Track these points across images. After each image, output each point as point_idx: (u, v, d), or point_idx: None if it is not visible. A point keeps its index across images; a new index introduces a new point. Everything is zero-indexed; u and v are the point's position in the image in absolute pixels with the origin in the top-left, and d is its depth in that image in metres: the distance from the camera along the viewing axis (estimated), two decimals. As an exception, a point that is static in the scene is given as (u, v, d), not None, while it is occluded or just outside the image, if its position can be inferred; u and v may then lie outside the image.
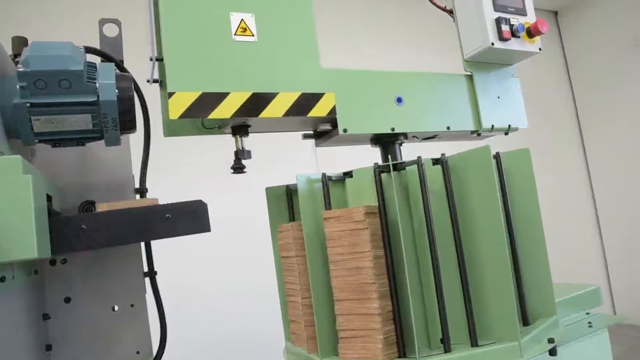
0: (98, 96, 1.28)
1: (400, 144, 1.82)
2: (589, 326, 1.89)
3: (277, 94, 1.51)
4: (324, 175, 1.52)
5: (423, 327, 1.44)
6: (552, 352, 1.44)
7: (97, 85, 1.28)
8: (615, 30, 5.08)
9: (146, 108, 1.53)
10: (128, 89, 1.35)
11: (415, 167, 1.48)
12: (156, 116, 1.59)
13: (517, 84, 2.05)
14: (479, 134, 1.95)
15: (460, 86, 1.90)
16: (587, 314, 2.04)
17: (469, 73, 1.92)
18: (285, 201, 1.74)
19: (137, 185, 1.64)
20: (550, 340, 1.45)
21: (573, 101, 5.70)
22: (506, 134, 2.01)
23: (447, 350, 1.37)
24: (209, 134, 1.63)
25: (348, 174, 1.59)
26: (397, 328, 1.38)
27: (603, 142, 5.29)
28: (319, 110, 1.57)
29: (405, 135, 1.79)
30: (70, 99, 1.25)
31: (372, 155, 1.84)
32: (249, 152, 1.58)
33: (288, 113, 1.51)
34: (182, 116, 1.38)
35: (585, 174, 5.58)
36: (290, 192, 1.73)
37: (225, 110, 1.44)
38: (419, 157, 1.42)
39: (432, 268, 1.39)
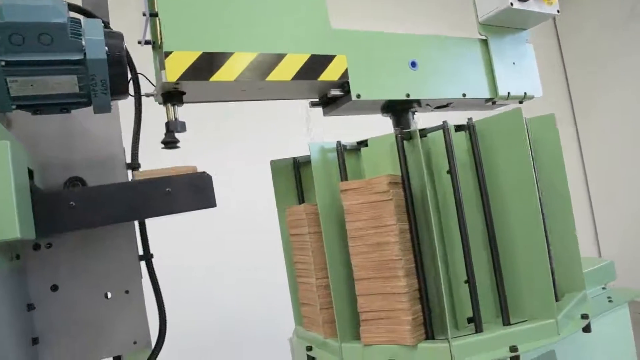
0: (85, 54, 1.11)
1: (414, 112, 1.69)
2: (609, 301, 1.82)
3: (284, 55, 1.37)
4: (339, 143, 1.38)
5: (449, 305, 1.33)
6: (587, 328, 1.35)
7: (84, 41, 1.11)
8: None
9: (136, 72, 1.36)
10: (119, 46, 1.19)
11: (436, 134, 1.36)
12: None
13: (531, 49, 1.94)
14: (494, 102, 1.84)
15: (475, 51, 1.78)
16: (603, 288, 1.97)
17: (484, 37, 1.80)
18: (292, 175, 1.60)
19: (128, 160, 1.48)
20: (584, 316, 1.36)
21: (565, 76, 5.62)
22: (521, 102, 1.90)
23: (478, 330, 1.26)
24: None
25: (362, 143, 1.46)
26: (423, 308, 1.27)
27: (596, 121, 5.24)
28: (330, 73, 1.43)
29: (419, 102, 1.66)
30: (52, 56, 1.08)
31: (367, 132, 1.68)
32: (182, 123, 1.35)
33: (297, 76, 1.37)
34: (181, 79, 1.23)
35: (578, 156, 5.53)
36: (298, 165, 1.59)
37: (229, 72, 1.28)
38: (445, 122, 1.30)
39: (462, 242, 1.27)
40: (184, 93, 1.36)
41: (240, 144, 3.39)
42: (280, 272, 1.69)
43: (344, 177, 1.36)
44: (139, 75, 1.35)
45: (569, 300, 1.42)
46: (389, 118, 1.75)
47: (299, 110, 3.06)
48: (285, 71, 1.36)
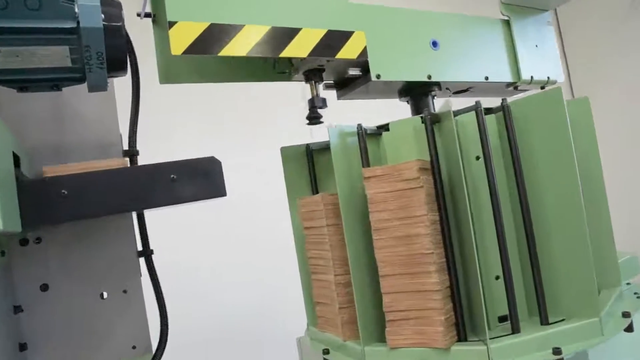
0: (78, 22, 0.97)
1: (434, 97, 1.57)
2: (637, 297, 1.71)
3: (299, 29, 1.24)
4: (359, 126, 1.26)
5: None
6: (629, 328, 1.24)
7: (76, 7, 0.97)
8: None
9: (132, 48, 1.22)
10: (117, 15, 1.05)
11: (464, 118, 1.24)
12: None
13: (552, 32, 1.83)
14: (515, 87, 1.73)
15: (497, 32, 1.67)
16: (628, 284, 1.87)
17: (506, 17, 1.69)
18: (305, 163, 1.47)
19: (125, 147, 1.35)
20: (625, 314, 1.25)
21: (567, 72, 5.56)
22: (542, 87, 1.79)
23: (515, 330, 1.15)
24: (271, 80, 1.44)
25: (383, 128, 1.34)
26: (455, 307, 1.15)
27: (597, 115, 5.16)
28: (349, 51, 1.31)
29: (439, 85, 1.55)
30: (41, 24, 0.94)
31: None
32: (324, 99, 1.40)
33: (314, 53, 1.25)
34: (187, 52, 1.10)
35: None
36: (311, 152, 1.46)
37: (239, 46, 1.15)
38: (478, 102, 1.18)
39: (498, 235, 1.16)
40: (323, 70, 1.38)
41: (235, 134, 3.22)
42: (284, 268, 1.57)
43: (365, 163, 1.24)
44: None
45: (607, 297, 1.31)
46: (406, 103, 1.64)
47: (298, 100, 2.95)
48: (300, 47, 1.23)
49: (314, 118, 1.39)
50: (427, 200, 1.10)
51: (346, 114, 1.77)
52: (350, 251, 1.19)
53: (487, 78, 1.60)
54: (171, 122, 2.92)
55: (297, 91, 1.61)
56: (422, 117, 1.26)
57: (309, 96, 1.42)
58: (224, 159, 1.13)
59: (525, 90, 1.81)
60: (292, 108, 2.87)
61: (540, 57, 1.75)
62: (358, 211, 1.23)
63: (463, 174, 1.09)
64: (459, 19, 1.58)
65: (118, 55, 1.07)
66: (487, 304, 1.24)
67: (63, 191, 0.98)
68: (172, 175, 1.05)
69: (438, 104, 1.59)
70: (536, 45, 1.75)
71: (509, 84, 1.70)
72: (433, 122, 1.20)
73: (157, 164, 1.05)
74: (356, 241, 1.21)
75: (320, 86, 1.43)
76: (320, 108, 1.40)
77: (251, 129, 3.13)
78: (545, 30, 1.80)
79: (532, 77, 1.70)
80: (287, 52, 1.21)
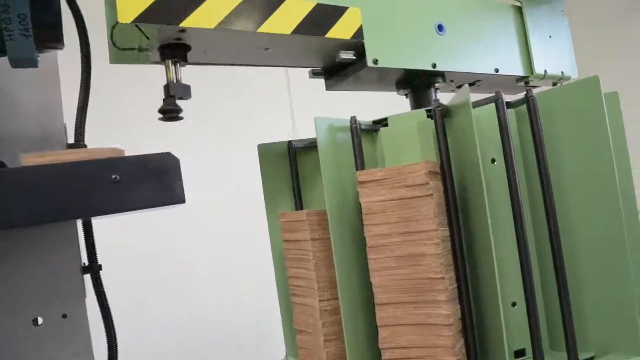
0: (-9, -28, 0.74)
1: (437, 90, 1.37)
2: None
3: (283, 0, 1.02)
4: (353, 119, 1.04)
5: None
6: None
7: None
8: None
9: (80, 14, 0.99)
10: (45, -32, 0.82)
11: (477, 112, 1.03)
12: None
13: (566, 22, 1.64)
14: (526, 83, 1.53)
15: (508, 19, 1.47)
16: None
17: (518, 3, 1.49)
18: (286, 164, 1.25)
19: (70, 140, 1.12)
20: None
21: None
22: (555, 84, 1.60)
23: (539, 370, 0.94)
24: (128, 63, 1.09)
25: (380, 123, 1.13)
26: (467, 342, 0.94)
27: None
28: (341, 30, 1.09)
29: (443, 77, 1.34)
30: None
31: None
32: (186, 87, 1.03)
33: (299, 29, 1.03)
34: (138, 20, 0.86)
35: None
36: (294, 151, 1.23)
37: (207, 17, 0.93)
38: (498, 92, 0.97)
39: (520, 255, 0.95)
40: (188, 48, 1.01)
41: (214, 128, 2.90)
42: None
43: (360, 165, 1.02)
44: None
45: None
46: (404, 97, 1.43)
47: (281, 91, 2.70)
48: (283, 22, 1.01)
49: (169, 112, 1.02)
50: (436, 211, 0.89)
51: (333, 108, 1.56)
52: (339, 272, 0.97)
53: (497, 70, 1.39)
54: (131, 111, 2.49)
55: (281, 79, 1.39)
56: (428, 110, 1.05)
57: (294, 86, 1.20)
58: (193, 155, 0.90)
59: (537, 86, 1.61)
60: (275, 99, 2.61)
61: (554, 49, 1.55)
62: (350, 223, 1.01)
63: (483, 179, 0.87)
64: (467, 1, 1.38)
65: (49, 21, 0.84)
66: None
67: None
68: (113, 176, 0.82)
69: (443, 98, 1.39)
70: (550, 36, 1.55)
71: (519, 78, 1.50)
72: (444, 116, 0.99)
73: (93, 160, 0.81)
74: (347, 260, 0.98)
75: (180, 69, 1.04)
76: (181, 98, 1.02)
77: (230, 122, 2.85)
78: (560, 20, 1.61)
79: (545, 71, 1.50)
80: (267, 28, 0.99)
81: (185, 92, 1.02)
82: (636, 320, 0.96)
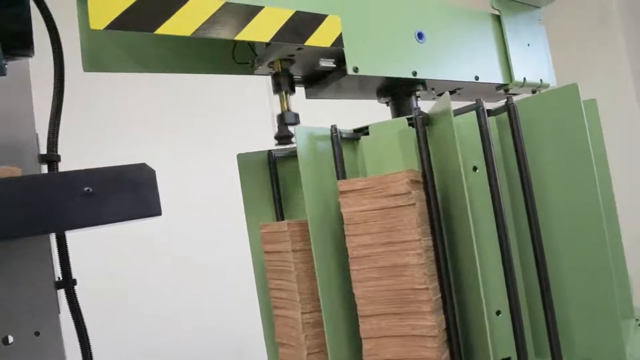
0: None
1: (417, 98, 1.36)
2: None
3: (261, 8, 1.00)
4: (334, 128, 1.03)
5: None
6: (653, 371, 1.04)
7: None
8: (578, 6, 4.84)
9: (52, 20, 0.95)
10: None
11: (457, 120, 1.03)
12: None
13: (544, 31, 1.66)
14: (506, 90, 1.54)
15: (487, 27, 1.48)
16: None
17: (496, 11, 1.50)
18: (266, 174, 1.22)
19: (43, 151, 1.08)
20: (647, 355, 1.06)
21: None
22: (534, 92, 1.61)
23: (525, 381, 0.93)
24: (228, 73, 1.21)
25: (361, 131, 1.12)
26: (452, 353, 0.92)
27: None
28: (321, 37, 1.08)
29: (424, 84, 1.34)
30: None
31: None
32: (296, 115, 1.14)
33: (278, 37, 1.01)
34: (111, 26, 0.84)
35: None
36: (274, 160, 1.21)
37: (182, 24, 0.90)
38: (479, 100, 0.97)
39: (503, 262, 0.94)
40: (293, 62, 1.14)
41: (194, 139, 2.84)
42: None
43: (341, 174, 1.01)
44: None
45: (625, 332, 1.12)
46: (385, 105, 1.42)
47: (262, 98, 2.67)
48: (262, 29, 0.99)
49: (284, 137, 1.13)
50: (419, 221, 0.87)
51: (314, 117, 1.54)
52: (321, 284, 0.94)
53: (477, 78, 1.40)
54: (108, 120, 2.42)
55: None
56: (409, 119, 1.04)
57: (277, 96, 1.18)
58: (171, 165, 0.88)
59: (516, 94, 1.63)
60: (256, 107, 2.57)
61: (533, 57, 1.57)
62: (332, 234, 0.99)
63: (465, 188, 0.86)
64: (446, 9, 1.38)
65: (15, 24, 0.81)
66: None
67: None
68: (86, 188, 0.79)
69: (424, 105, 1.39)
70: (528, 44, 1.57)
71: (499, 86, 1.51)
72: (425, 124, 0.98)
73: (64, 172, 0.78)
74: (329, 271, 0.96)
75: (291, 98, 1.17)
76: (293, 124, 1.13)
77: (210, 129, 2.78)
78: (537, 28, 1.63)
79: (524, 78, 1.51)
80: (245, 35, 0.97)
81: (296, 119, 1.13)
82: (619, 327, 0.95)
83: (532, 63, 1.56)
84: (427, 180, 0.94)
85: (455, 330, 0.93)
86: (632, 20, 4.42)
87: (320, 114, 1.60)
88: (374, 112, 1.48)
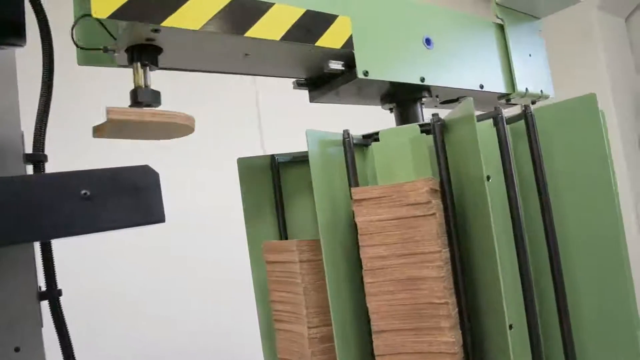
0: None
1: (422, 105, 1.33)
2: None
3: (271, 5, 0.96)
4: (346, 133, 0.98)
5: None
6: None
7: None
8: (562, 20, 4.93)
9: (41, 9, 0.88)
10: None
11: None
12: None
13: (543, 42, 1.66)
14: (507, 100, 1.53)
15: (491, 36, 1.46)
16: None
17: (500, 21, 1.49)
18: (267, 180, 1.17)
19: (28, 150, 1.00)
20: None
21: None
22: (534, 102, 1.60)
23: (543, 400, 0.89)
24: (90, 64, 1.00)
25: (370, 137, 1.07)
26: (469, 371, 0.88)
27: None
28: (331, 38, 1.03)
29: (429, 91, 1.31)
30: None
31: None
32: (156, 93, 0.92)
33: (288, 36, 0.96)
34: (115, 15, 0.77)
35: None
36: (277, 166, 1.16)
37: (191, 18, 0.85)
38: (498, 108, 0.94)
39: (521, 273, 0.91)
40: (160, 50, 0.91)
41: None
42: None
43: (353, 181, 0.96)
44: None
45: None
46: (388, 111, 1.38)
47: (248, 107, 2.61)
48: (272, 27, 0.94)
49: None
50: (439, 232, 0.83)
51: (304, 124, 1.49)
52: (332, 297, 0.89)
53: (482, 86, 1.38)
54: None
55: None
56: (421, 125, 1.00)
57: (262, 99, 1.12)
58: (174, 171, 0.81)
59: (516, 104, 1.61)
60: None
61: (534, 68, 1.56)
62: (343, 243, 0.94)
63: (488, 196, 0.83)
64: (454, 16, 1.36)
65: (4, 12, 0.74)
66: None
67: None
68: (83, 191, 0.72)
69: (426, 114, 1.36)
70: (530, 55, 1.56)
71: (502, 95, 1.49)
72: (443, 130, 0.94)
73: (60, 173, 0.71)
74: (340, 283, 0.91)
75: (150, 73, 0.93)
76: (149, 105, 0.92)
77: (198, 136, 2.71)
78: (537, 39, 1.63)
79: (526, 89, 1.50)
80: (255, 32, 0.92)
81: (154, 98, 0.91)
82: (637, 339, 0.93)
83: (533, 73, 1.55)
84: (444, 189, 0.90)
85: (473, 347, 0.88)
86: (611, 35, 4.53)
87: (314, 120, 1.55)
88: (369, 117, 1.45)
